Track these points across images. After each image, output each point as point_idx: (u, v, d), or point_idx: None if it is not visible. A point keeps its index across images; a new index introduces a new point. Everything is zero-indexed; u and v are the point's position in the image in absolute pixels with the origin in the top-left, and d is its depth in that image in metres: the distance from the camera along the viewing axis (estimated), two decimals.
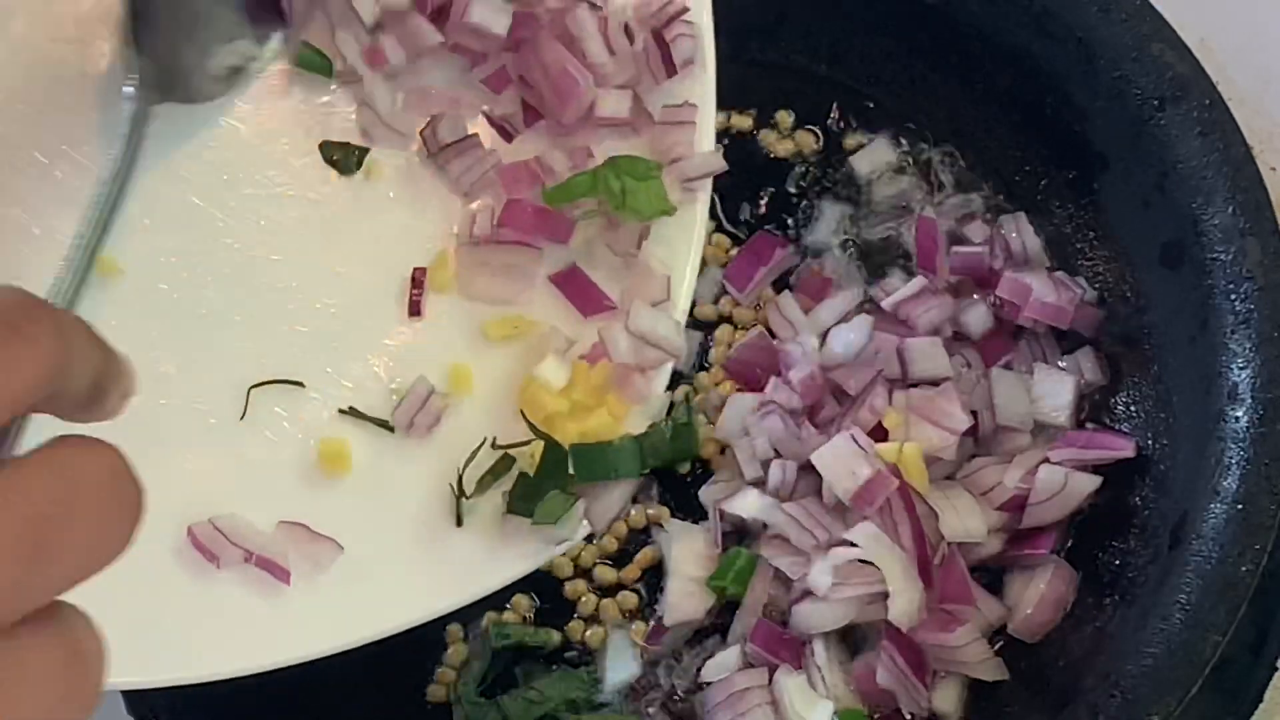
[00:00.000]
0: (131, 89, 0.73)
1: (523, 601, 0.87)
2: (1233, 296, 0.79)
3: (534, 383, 0.77)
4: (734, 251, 0.93)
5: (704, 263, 0.93)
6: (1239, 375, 0.78)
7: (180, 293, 0.77)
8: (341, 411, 0.77)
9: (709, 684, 0.82)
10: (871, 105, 0.96)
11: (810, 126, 0.97)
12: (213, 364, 0.76)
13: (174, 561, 0.73)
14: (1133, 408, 0.86)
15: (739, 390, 0.90)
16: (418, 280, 0.79)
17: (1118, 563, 0.84)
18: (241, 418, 0.76)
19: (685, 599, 0.85)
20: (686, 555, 0.85)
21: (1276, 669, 0.86)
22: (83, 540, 0.39)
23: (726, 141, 0.96)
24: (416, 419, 0.77)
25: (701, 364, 0.92)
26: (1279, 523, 0.75)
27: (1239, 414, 0.77)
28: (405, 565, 0.75)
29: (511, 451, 0.77)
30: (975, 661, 0.80)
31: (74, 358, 0.42)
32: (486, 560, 0.76)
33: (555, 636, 0.86)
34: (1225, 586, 0.75)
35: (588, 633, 0.86)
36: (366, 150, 0.81)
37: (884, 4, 0.93)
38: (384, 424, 0.77)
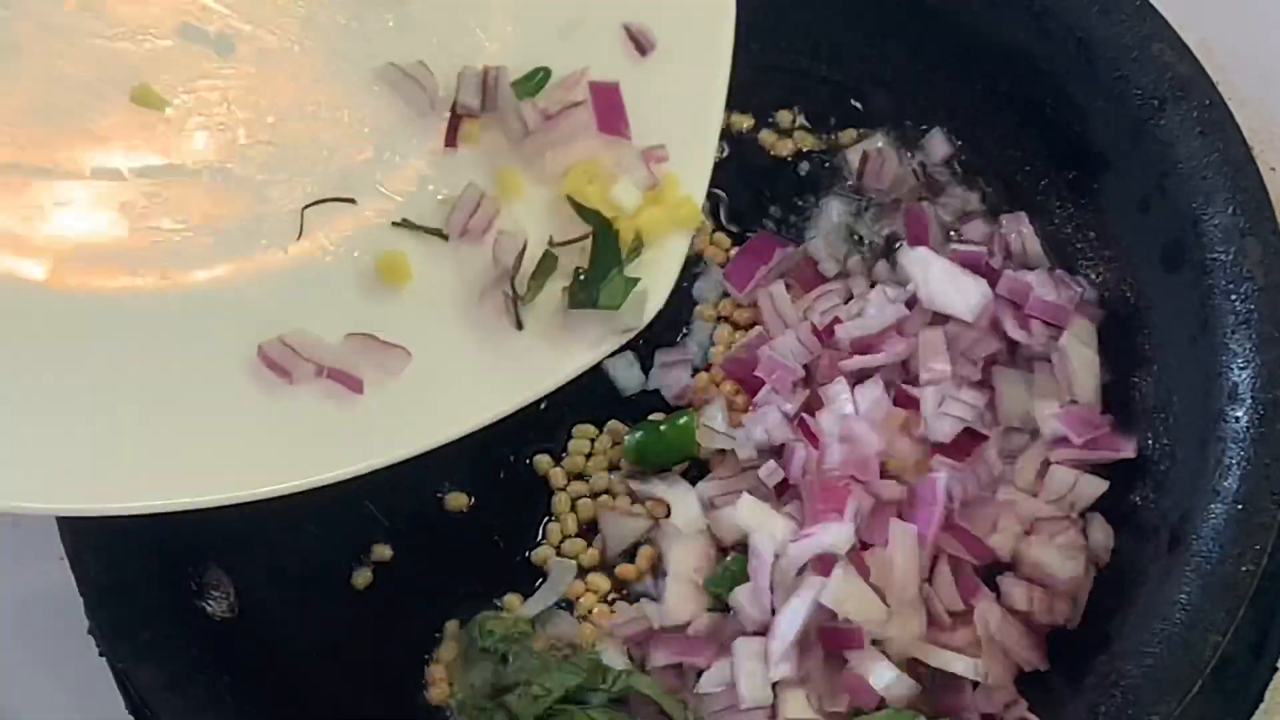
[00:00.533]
0: None
1: (515, 601, 0.87)
2: (1233, 296, 0.79)
3: (580, 171, 0.78)
4: (734, 251, 0.93)
5: (704, 263, 0.94)
6: (1239, 375, 0.78)
7: (224, 117, 0.77)
8: (395, 224, 0.77)
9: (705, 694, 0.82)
10: (872, 105, 0.96)
11: (810, 126, 0.97)
12: (260, 187, 0.76)
13: (248, 379, 0.73)
14: (1132, 408, 0.86)
15: (738, 391, 0.90)
16: (456, 114, 0.79)
17: (1118, 562, 0.84)
18: (299, 237, 0.76)
19: (683, 601, 0.84)
20: (685, 557, 0.85)
21: (1276, 669, 0.86)
22: None
23: (726, 141, 0.96)
24: (470, 224, 0.77)
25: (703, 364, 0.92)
26: (1279, 523, 0.75)
27: (1239, 414, 0.77)
28: (473, 367, 0.76)
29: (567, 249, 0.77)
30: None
31: None
32: (552, 355, 0.77)
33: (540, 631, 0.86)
34: (1225, 586, 0.75)
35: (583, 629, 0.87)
36: None
37: (884, 4, 0.93)
38: (437, 232, 0.77)
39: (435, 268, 0.77)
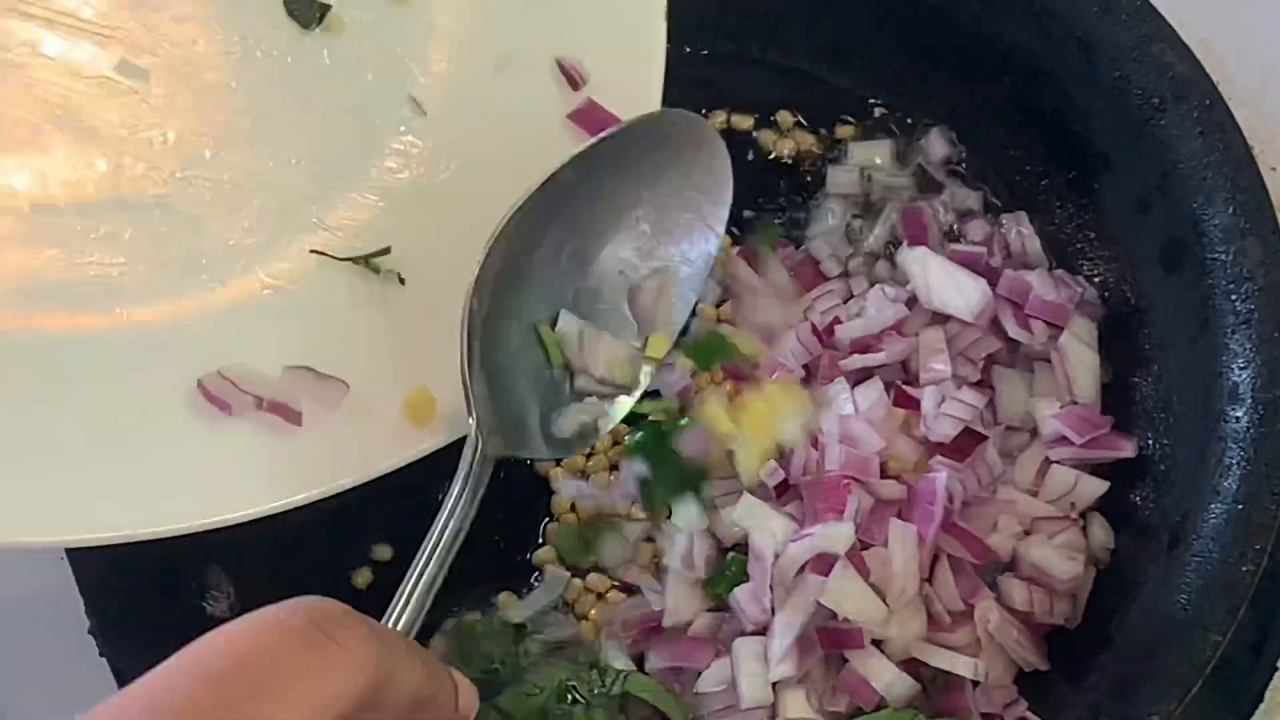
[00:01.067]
0: (474, 429, 0.72)
1: (509, 599, 0.88)
2: (1233, 296, 0.79)
3: None
4: (734, 250, 0.93)
5: None
6: (1239, 375, 0.78)
7: (161, 153, 0.77)
8: (343, 260, 0.77)
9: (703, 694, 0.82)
10: (871, 105, 0.97)
11: (810, 126, 0.97)
12: (199, 221, 0.76)
13: (189, 413, 0.74)
14: (1132, 408, 0.86)
15: (738, 391, 0.90)
16: None
17: (1118, 562, 0.84)
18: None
19: (683, 601, 0.84)
20: (685, 557, 0.85)
21: (1276, 669, 0.86)
22: None
23: (726, 141, 0.96)
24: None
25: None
26: (1279, 523, 0.75)
27: (1239, 414, 0.77)
28: None
29: None
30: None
31: (393, 671, 0.42)
32: None
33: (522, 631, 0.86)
34: (1225, 586, 0.75)
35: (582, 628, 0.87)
36: (327, 7, 0.79)
37: (884, 4, 0.94)
38: (368, 261, 0.77)
39: (377, 304, 0.77)
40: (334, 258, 0.77)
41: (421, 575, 0.68)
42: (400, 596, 0.67)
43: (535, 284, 0.75)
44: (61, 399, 0.73)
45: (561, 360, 0.76)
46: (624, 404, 0.77)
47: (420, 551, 0.69)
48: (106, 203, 0.75)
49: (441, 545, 0.69)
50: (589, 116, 0.80)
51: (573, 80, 0.81)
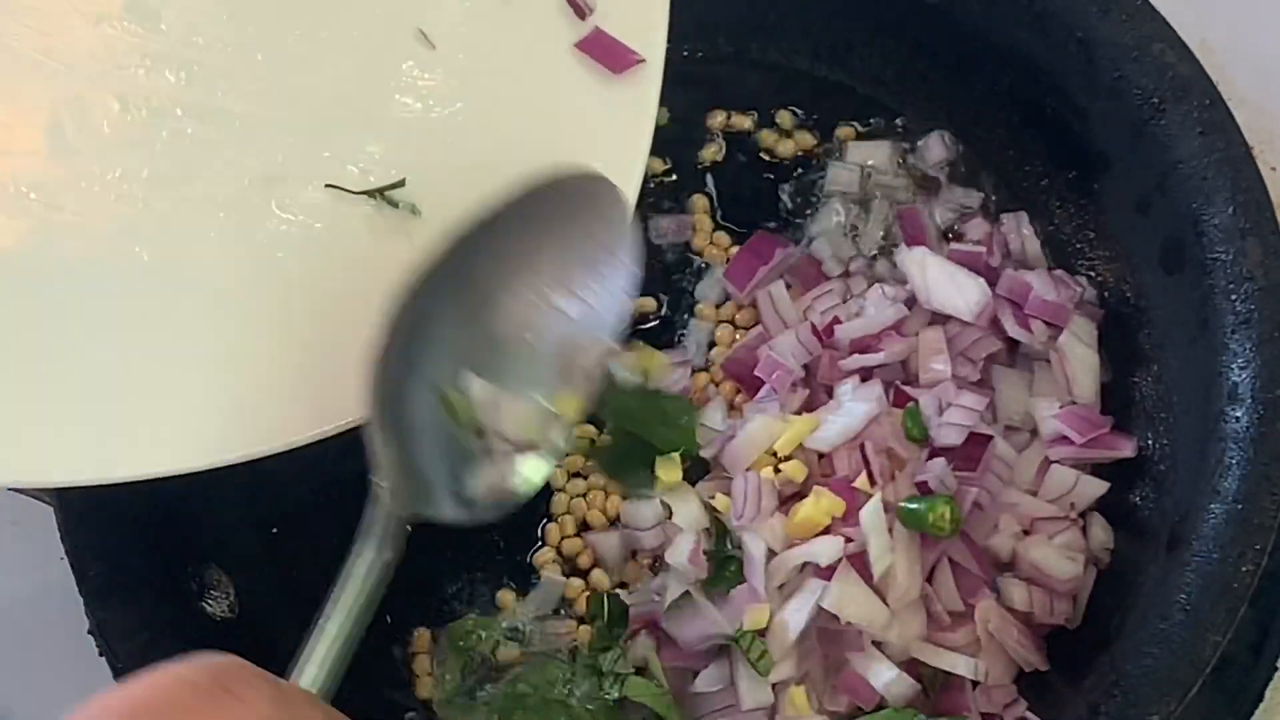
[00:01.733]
0: (386, 491, 0.71)
1: (508, 597, 0.88)
2: (1233, 297, 0.79)
3: None
4: (734, 250, 0.93)
5: (705, 263, 0.94)
6: (1239, 375, 0.78)
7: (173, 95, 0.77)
8: (329, 186, 0.76)
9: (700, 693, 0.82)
10: (871, 105, 0.97)
11: (810, 126, 0.97)
12: (214, 164, 0.76)
13: (209, 349, 0.74)
14: (1132, 408, 0.86)
15: (738, 391, 0.90)
16: None
17: (1118, 562, 0.84)
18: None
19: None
20: (685, 557, 0.84)
21: (1276, 669, 0.86)
22: None
23: (726, 141, 0.96)
24: None
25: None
26: (1279, 523, 0.75)
27: (1239, 414, 0.77)
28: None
29: None
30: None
31: None
32: None
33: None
34: (1225, 586, 0.75)
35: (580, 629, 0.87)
36: None
37: (884, 4, 0.93)
38: (383, 195, 0.77)
39: (395, 236, 0.77)
40: (350, 191, 0.77)
41: (329, 636, 0.66)
42: (306, 654, 0.65)
43: (441, 346, 0.73)
44: (81, 338, 0.73)
45: (471, 423, 0.74)
46: (540, 466, 0.75)
47: (325, 612, 0.67)
48: (120, 143, 0.75)
49: (353, 609, 0.67)
50: (596, 45, 0.80)
51: (579, 9, 0.81)
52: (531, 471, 0.75)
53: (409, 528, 0.70)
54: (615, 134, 0.80)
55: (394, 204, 0.77)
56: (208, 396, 0.73)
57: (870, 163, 0.95)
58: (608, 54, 0.79)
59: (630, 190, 0.78)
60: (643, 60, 0.80)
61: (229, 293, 0.75)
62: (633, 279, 0.76)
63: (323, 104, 0.78)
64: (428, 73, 0.80)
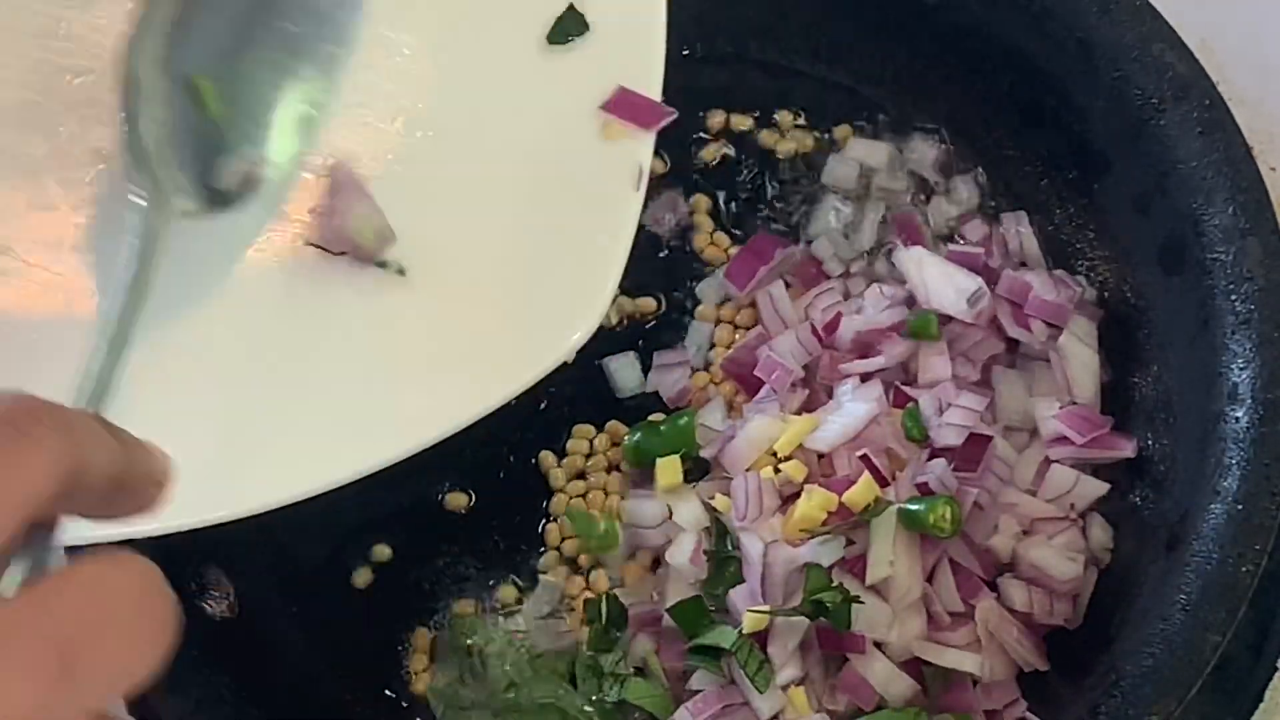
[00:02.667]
0: (141, 201, 0.70)
1: (509, 594, 0.88)
2: (1233, 296, 0.79)
3: None
4: (734, 250, 0.93)
5: (705, 263, 0.94)
6: (1239, 375, 0.78)
7: None
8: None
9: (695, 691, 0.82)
10: (871, 105, 0.96)
11: (810, 126, 0.97)
12: None
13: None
14: (1132, 408, 0.86)
15: (738, 392, 0.90)
16: None
17: (1118, 563, 0.84)
18: None
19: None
20: (685, 557, 0.85)
21: (1276, 669, 0.86)
22: (111, 659, 0.39)
23: (726, 141, 0.96)
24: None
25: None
26: (1279, 523, 0.75)
27: (1239, 414, 0.77)
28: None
29: None
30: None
31: (87, 455, 0.41)
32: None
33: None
34: (1225, 586, 0.75)
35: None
36: None
37: (884, 4, 0.93)
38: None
39: None
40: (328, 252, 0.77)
41: (107, 344, 0.64)
42: (87, 370, 0.64)
43: (195, 33, 0.72)
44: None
45: (219, 111, 0.73)
46: (288, 146, 0.76)
47: (102, 317, 0.66)
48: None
49: (123, 311, 0.66)
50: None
51: None
52: (281, 156, 0.75)
53: None
54: None
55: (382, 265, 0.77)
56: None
57: (869, 162, 0.95)
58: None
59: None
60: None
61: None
62: None
63: None
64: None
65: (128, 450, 0.44)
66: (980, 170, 0.94)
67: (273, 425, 0.74)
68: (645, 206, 0.79)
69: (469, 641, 0.85)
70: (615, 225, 0.78)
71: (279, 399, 0.74)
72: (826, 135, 0.96)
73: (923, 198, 0.94)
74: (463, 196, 0.79)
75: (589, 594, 0.87)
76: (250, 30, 0.75)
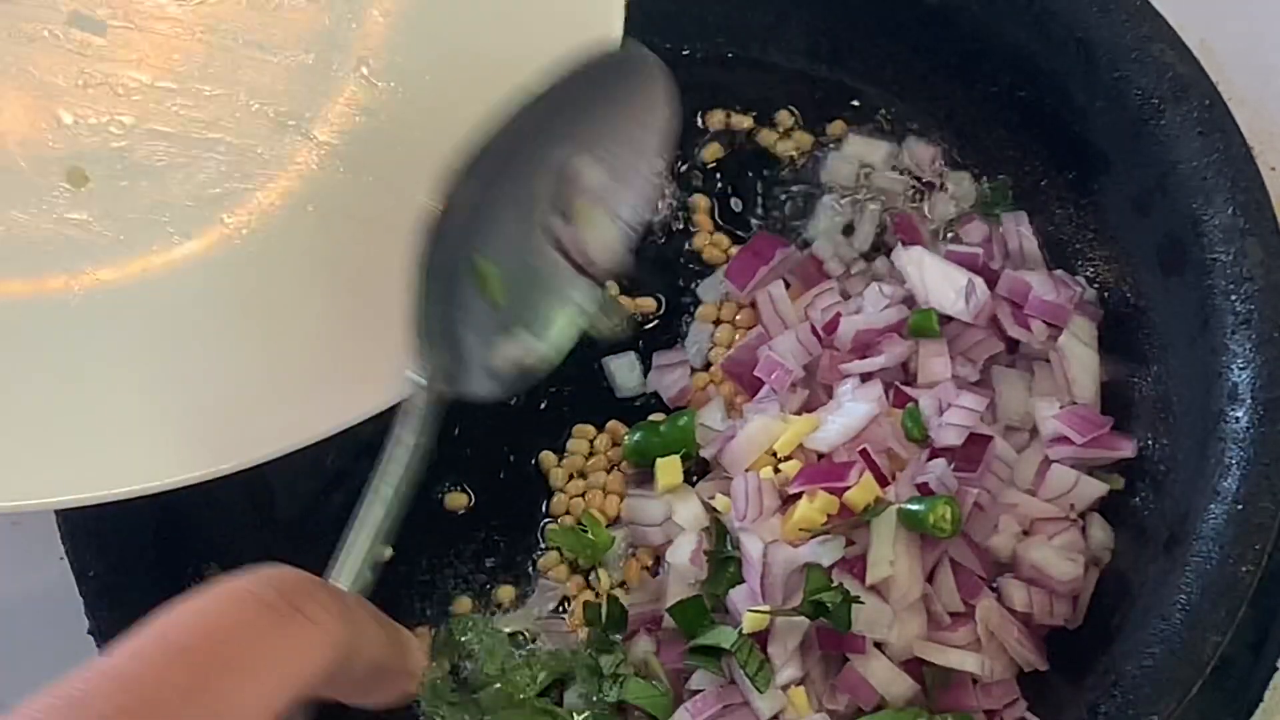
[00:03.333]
0: (420, 379, 0.71)
1: (508, 592, 0.88)
2: (1233, 297, 0.79)
3: None
4: (734, 250, 0.93)
5: (705, 263, 0.94)
6: (1239, 375, 0.78)
7: (115, 104, 0.75)
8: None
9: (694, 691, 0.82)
10: (871, 105, 0.96)
11: (810, 126, 0.97)
12: (162, 174, 0.75)
13: (157, 370, 0.73)
14: (1133, 408, 0.86)
15: (737, 392, 0.90)
16: None
17: (1118, 563, 0.84)
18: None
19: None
20: (685, 557, 0.85)
21: (1276, 669, 0.86)
22: None
23: (727, 141, 0.96)
24: None
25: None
26: (1279, 523, 0.75)
27: (1239, 414, 0.77)
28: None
29: None
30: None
31: (357, 641, 0.42)
32: None
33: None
34: (1225, 586, 0.75)
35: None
36: None
37: (884, 4, 0.93)
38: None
39: (344, 247, 0.76)
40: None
41: (370, 527, 0.66)
42: (348, 556, 0.64)
43: (481, 223, 0.73)
44: (27, 363, 0.72)
45: (499, 294, 0.74)
46: (567, 330, 0.76)
47: (367, 501, 0.67)
48: (66, 158, 0.74)
49: (393, 498, 0.67)
50: None
51: None
52: (558, 338, 0.75)
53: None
54: None
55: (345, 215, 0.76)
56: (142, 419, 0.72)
57: (867, 160, 0.95)
58: None
59: None
60: None
61: (187, 308, 0.74)
62: (661, 163, 0.77)
63: (272, 112, 0.77)
64: (378, 79, 0.79)
65: (391, 639, 0.45)
66: (979, 169, 0.94)
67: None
68: None
69: (460, 639, 0.85)
70: None
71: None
72: (826, 135, 0.96)
73: (921, 197, 0.94)
74: None
75: (589, 594, 0.87)
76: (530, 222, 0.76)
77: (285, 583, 0.42)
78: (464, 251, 0.73)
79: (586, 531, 0.87)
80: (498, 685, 0.83)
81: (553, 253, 0.76)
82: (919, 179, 0.95)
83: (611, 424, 0.91)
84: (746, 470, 0.84)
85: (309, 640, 0.41)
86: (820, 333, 0.88)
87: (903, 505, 0.79)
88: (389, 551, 0.88)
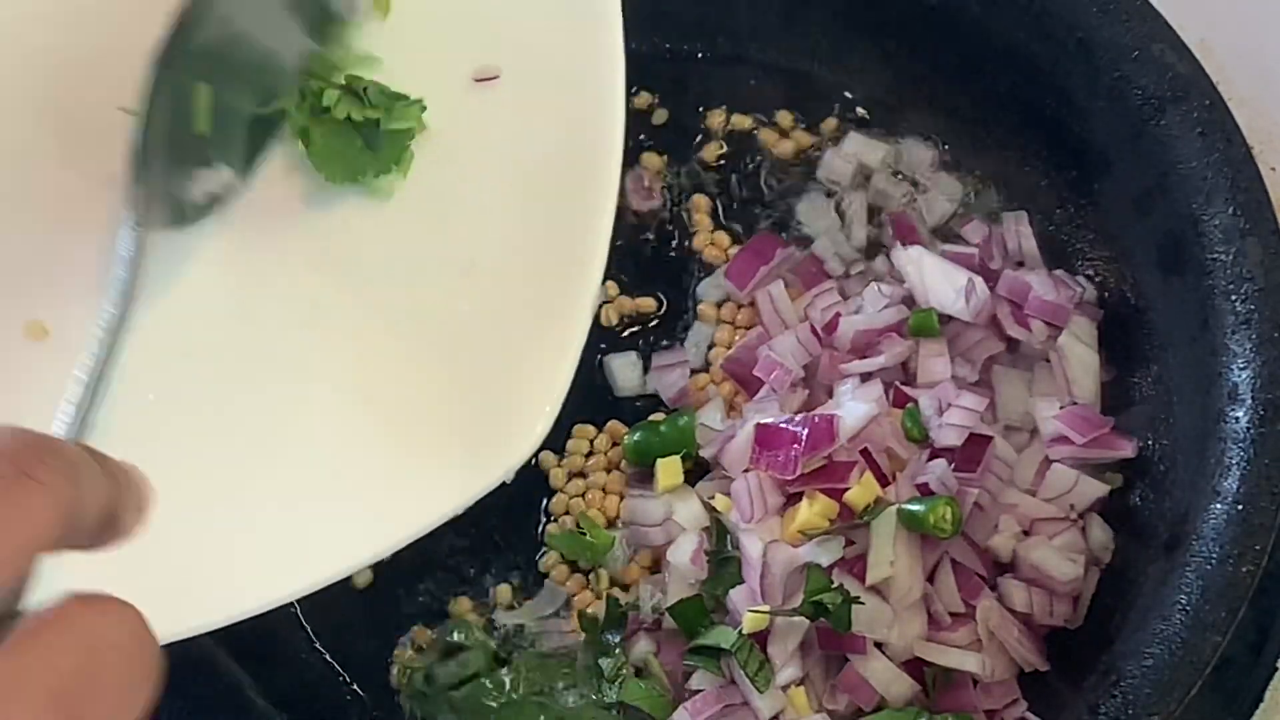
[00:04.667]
0: (133, 219, 0.70)
1: (506, 591, 0.88)
2: (1233, 297, 0.79)
3: None
4: (734, 250, 0.93)
5: (705, 263, 0.94)
6: (1239, 375, 0.78)
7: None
8: None
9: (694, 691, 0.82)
10: (871, 105, 0.96)
11: (810, 126, 0.97)
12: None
13: None
14: (1133, 408, 0.86)
15: (737, 392, 0.90)
16: None
17: (1118, 563, 0.84)
18: None
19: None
20: (685, 557, 0.85)
21: (1276, 669, 0.86)
22: (108, 709, 0.39)
23: (727, 141, 0.96)
24: None
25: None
26: (1279, 523, 0.75)
27: (1239, 414, 0.77)
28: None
29: None
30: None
31: (85, 492, 0.41)
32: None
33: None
34: (1225, 586, 0.75)
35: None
36: None
37: (884, 4, 0.93)
38: None
39: None
40: None
41: (89, 378, 0.65)
42: (74, 400, 0.64)
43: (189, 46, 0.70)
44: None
45: (206, 128, 0.72)
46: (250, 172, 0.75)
47: (88, 347, 0.66)
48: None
49: (106, 341, 0.66)
50: None
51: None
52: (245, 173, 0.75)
53: None
54: None
55: None
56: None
57: (865, 159, 0.95)
58: None
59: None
60: None
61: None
62: None
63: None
64: None
65: (116, 481, 0.44)
66: (979, 170, 0.94)
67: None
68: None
69: (448, 639, 0.85)
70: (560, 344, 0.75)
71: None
72: (826, 135, 0.96)
73: (918, 196, 0.94)
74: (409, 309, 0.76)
75: (590, 594, 0.87)
76: (245, 49, 0.74)
77: (8, 446, 0.41)
78: (188, 74, 0.71)
79: (585, 534, 0.87)
80: (469, 689, 0.83)
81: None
82: (916, 180, 0.95)
83: (611, 424, 0.91)
84: (746, 470, 0.84)
85: (39, 504, 0.39)
86: (820, 333, 0.88)
87: (903, 505, 0.80)
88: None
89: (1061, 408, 0.85)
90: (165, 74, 0.69)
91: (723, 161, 0.96)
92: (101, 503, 0.43)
